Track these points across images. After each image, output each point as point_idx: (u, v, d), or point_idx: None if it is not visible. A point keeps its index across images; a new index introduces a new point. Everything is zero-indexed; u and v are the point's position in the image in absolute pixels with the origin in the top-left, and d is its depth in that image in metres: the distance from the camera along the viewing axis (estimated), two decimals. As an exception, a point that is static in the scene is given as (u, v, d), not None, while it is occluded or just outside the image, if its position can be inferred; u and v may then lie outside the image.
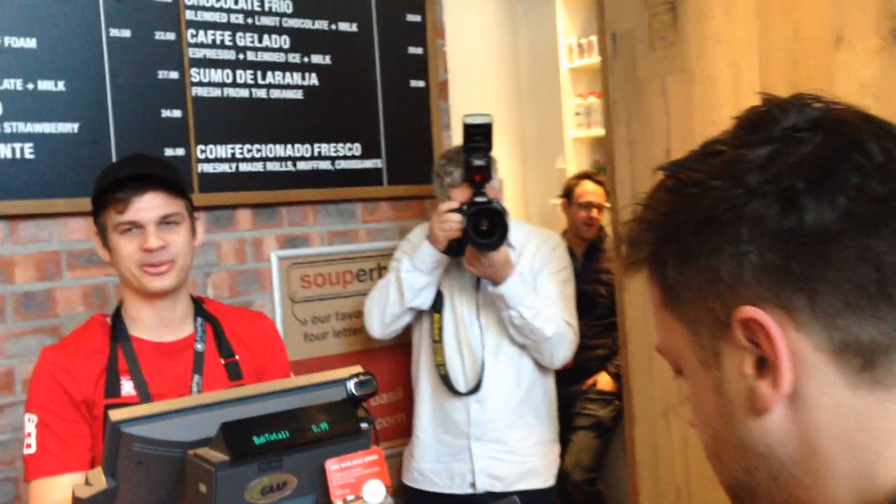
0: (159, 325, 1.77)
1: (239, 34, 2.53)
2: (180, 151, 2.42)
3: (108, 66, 2.30)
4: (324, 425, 1.22)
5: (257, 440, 1.15)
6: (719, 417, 0.66)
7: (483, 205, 2.31)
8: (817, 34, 1.96)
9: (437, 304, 2.50)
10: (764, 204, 0.60)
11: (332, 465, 1.21)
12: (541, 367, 2.52)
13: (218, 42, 2.49)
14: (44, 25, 2.20)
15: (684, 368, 0.69)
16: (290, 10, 2.62)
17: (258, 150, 2.56)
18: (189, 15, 2.43)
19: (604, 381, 3.79)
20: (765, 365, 0.61)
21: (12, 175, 2.16)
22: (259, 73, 2.56)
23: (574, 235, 3.89)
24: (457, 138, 2.76)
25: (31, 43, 2.19)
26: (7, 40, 2.16)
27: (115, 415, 1.19)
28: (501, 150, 4.81)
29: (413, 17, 2.88)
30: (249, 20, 2.55)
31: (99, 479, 1.23)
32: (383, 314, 2.49)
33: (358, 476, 1.22)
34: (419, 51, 2.90)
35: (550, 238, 2.62)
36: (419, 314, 2.55)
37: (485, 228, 2.30)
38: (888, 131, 0.63)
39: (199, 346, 1.80)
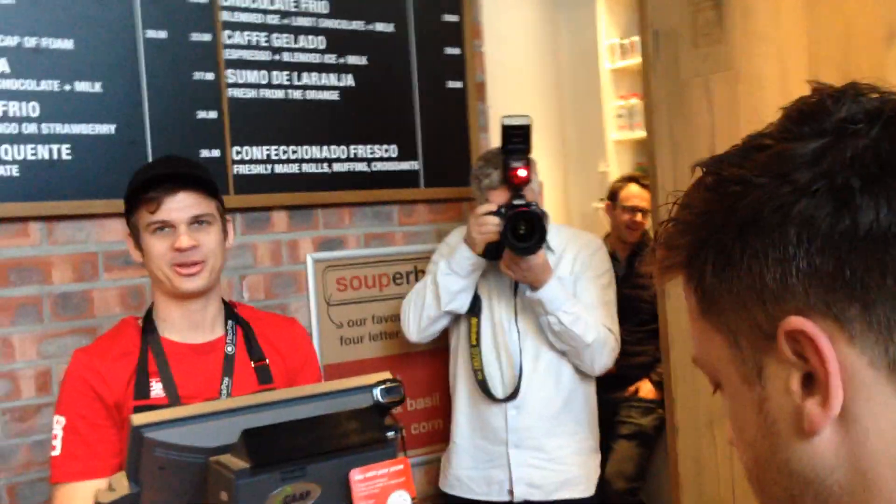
0: (190, 326, 1.76)
1: (275, 35, 2.51)
2: (216, 153, 2.41)
3: (144, 67, 2.29)
4: (349, 433, 1.18)
5: (279, 448, 1.12)
6: (762, 439, 0.60)
7: (521, 207, 2.26)
8: (869, 30, 1.88)
9: (475, 308, 2.46)
10: (814, 203, 0.54)
11: (356, 475, 1.17)
12: (581, 373, 2.46)
13: (253, 43, 2.48)
14: (80, 27, 2.21)
15: (723, 383, 0.63)
16: (326, 11, 2.60)
17: (294, 152, 2.54)
18: (225, 16, 2.42)
19: (646, 388, 3.71)
20: (813, 382, 0.55)
21: (49, 176, 2.17)
22: (295, 74, 2.55)
23: (618, 239, 3.82)
24: (494, 140, 2.71)
25: (67, 44, 2.19)
26: (44, 41, 2.17)
27: (137, 419, 1.17)
28: (542, 152, 4.75)
29: (450, 18, 2.84)
30: (285, 21, 2.53)
31: (122, 484, 1.21)
32: (420, 317, 2.46)
33: (383, 486, 1.18)
34: (456, 51, 2.86)
35: (591, 242, 2.56)
36: (457, 318, 2.50)
37: (523, 232, 2.25)
38: None
39: (229, 349, 1.78)
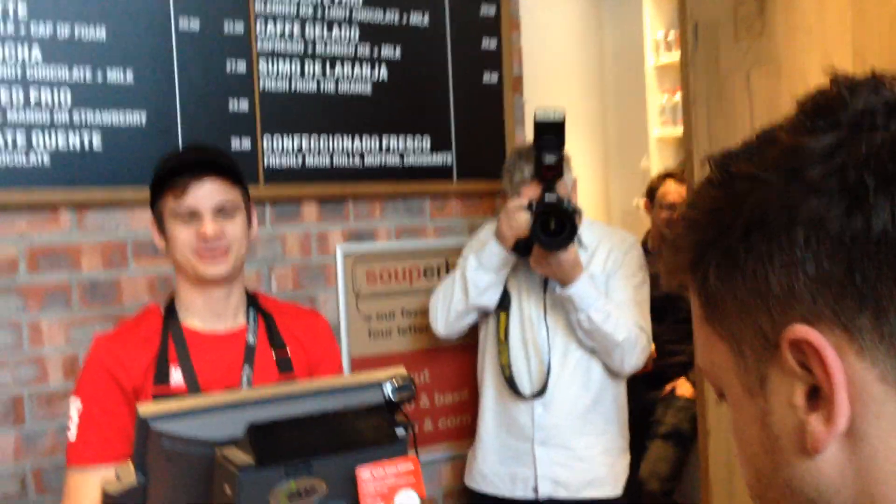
0: (212, 314, 1.75)
1: (308, 26, 2.50)
2: (247, 143, 2.40)
3: (176, 57, 2.29)
4: (357, 430, 1.16)
5: (285, 443, 1.10)
6: (764, 454, 0.56)
7: (552, 203, 2.22)
8: (917, 23, 1.80)
9: (504, 304, 2.42)
10: (825, 203, 0.50)
11: (363, 473, 1.14)
12: (611, 372, 2.41)
13: (286, 34, 2.46)
14: (113, 15, 2.21)
15: (727, 393, 0.59)
16: (360, 2, 2.57)
17: (325, 143, 2.53)
18: (258, 6, 2.41)
19: (684, 387, 3.64)
20: (818, 396, 0.51)
21: (81, 164, 2.18)
22: (328, 66, 2.53)
23: (657, 237, 3.75)
24: (530, 134, 2.67)
25: (100, 33, 2.20)
26: (77, 30, 2.17)
27: (143, 409, 1.16)
28: (583, 148, 4.70)
29: (487, 10, 2.80)
30: (319, 12, 2.51)
31: (129, 474, 1.20)
32: (448, 312, 2.43)
33: (391, 485, 1.15)
34: (493, 44, 2.82)
35: (625, 240, 2.51)
36: (486, 313, 2.47)
37: (553, 228, 2.21)
38: None
39: (250, 339, 1.77)
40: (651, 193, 3.81)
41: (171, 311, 1.75)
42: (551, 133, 2.23)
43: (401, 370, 1.27)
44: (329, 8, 2.53)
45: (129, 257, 2.27)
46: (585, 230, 2.42)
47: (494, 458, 2.44)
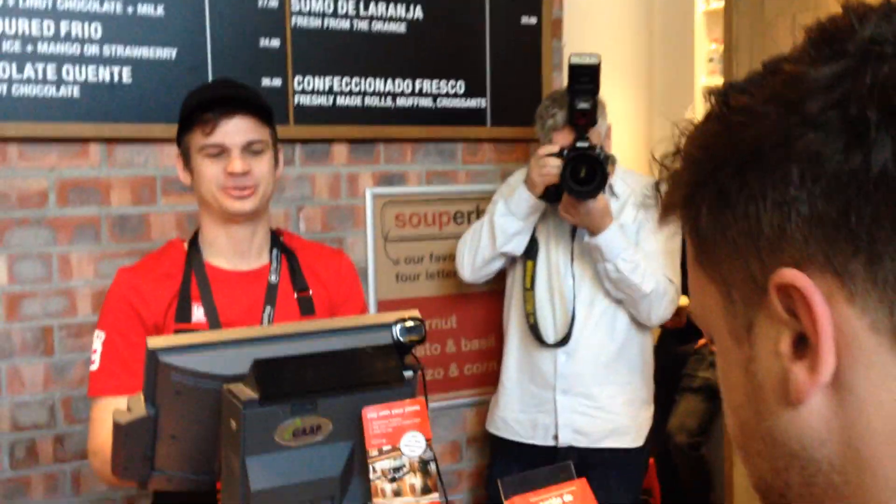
0: (235, 252, 1.75)
1: (341, -38, 2.45)
2: (277, 82, 2.38)
3: (207, -9, 2.27)
4: (364, 370, 1.15)
5: (290, 380, 1.10)
6: (748, 403, 0.53)
7: (584, 150, 2.18)
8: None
9: (532, 251, 2.40)
10: (822, 138, 0.46)
11: (369, 413, 1.14)
12: (637, 323, 2.38)
13: (319, -30, 2.42)
14: (144, -52, 2.19)
15: (715, 339, 0.57)
16: (395, -62, 2.51)
17: (357, 84, 2.49)
18: (291, -60, 2.36)
19: (716, 343, 3.60)
20: (805, 344, 0.48)
21: (110, 98, 2.18)
22: (361, 4, 2.48)
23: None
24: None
25: (131, -35, 2.18)
26: (108, -38, 2.16)
27: (153, 342, 1.17)
28: (626, 96, 4.60)
29: (527, -52, 2.72)
30: (353, -53, 2.46)
31: (139, 406, 1.22)
32: (474, 257, 2.41)
33: (397, 426, 1.15)
34: (532, -16, 2.74)
35: (659, 189, 2.44)
36: (513, 260, 2.45)
37: (583, 175, 2.17)
38: None
39: (272, 278, 1.77)
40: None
41: (194, 248, 1.76)
42: (586, 78, 2.17)
43: (413, 312, 1.26)
44: (364, -56, 2.47)
45: (157, 193, 2.28)
46: (618, 179, 2.37)
47: (516, 405, 2.44)
